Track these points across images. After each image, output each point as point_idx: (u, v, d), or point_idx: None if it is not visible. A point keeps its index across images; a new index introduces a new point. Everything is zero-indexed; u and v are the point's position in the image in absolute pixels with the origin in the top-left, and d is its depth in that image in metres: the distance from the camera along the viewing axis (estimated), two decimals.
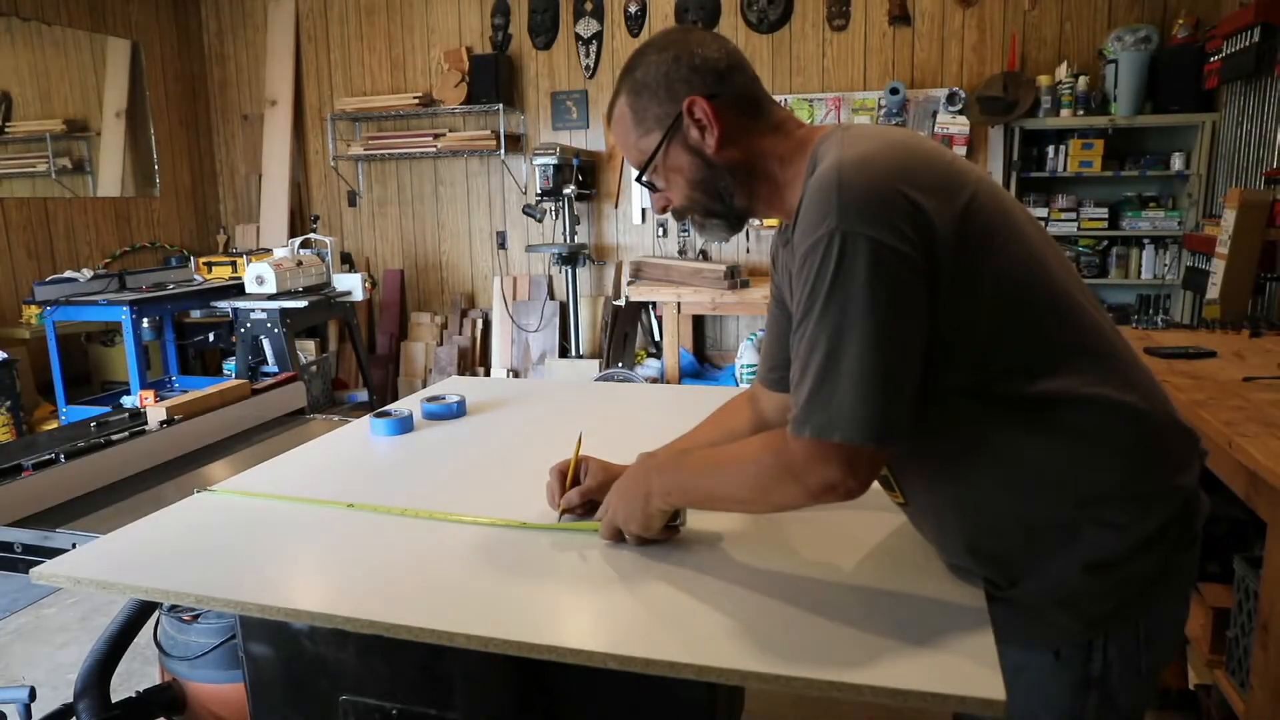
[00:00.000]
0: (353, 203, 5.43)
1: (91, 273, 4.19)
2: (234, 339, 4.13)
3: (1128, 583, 0.91)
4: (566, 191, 4.49)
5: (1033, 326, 0.88)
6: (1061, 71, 4.02)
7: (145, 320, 4.08)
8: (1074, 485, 0.90)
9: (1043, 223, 4.04)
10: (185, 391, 2.10)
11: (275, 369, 3.98)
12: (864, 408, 0.81)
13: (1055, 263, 0.91)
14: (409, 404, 1.85)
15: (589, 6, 4.77)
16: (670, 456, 1.11)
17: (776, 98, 4.89)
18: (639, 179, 1.06)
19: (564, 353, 4.92)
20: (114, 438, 1.63)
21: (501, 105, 4.79)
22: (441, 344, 5.23)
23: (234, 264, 4.60)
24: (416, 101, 4.99)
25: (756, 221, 4.64)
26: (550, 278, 5.09)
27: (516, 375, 5.02)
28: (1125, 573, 0.91)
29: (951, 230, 0.84)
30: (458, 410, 1.75)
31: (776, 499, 0.93)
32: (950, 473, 0.95)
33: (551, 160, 4.38)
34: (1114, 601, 0.92)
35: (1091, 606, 0.92)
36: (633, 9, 4.70)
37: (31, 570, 1.07)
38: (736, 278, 4.23)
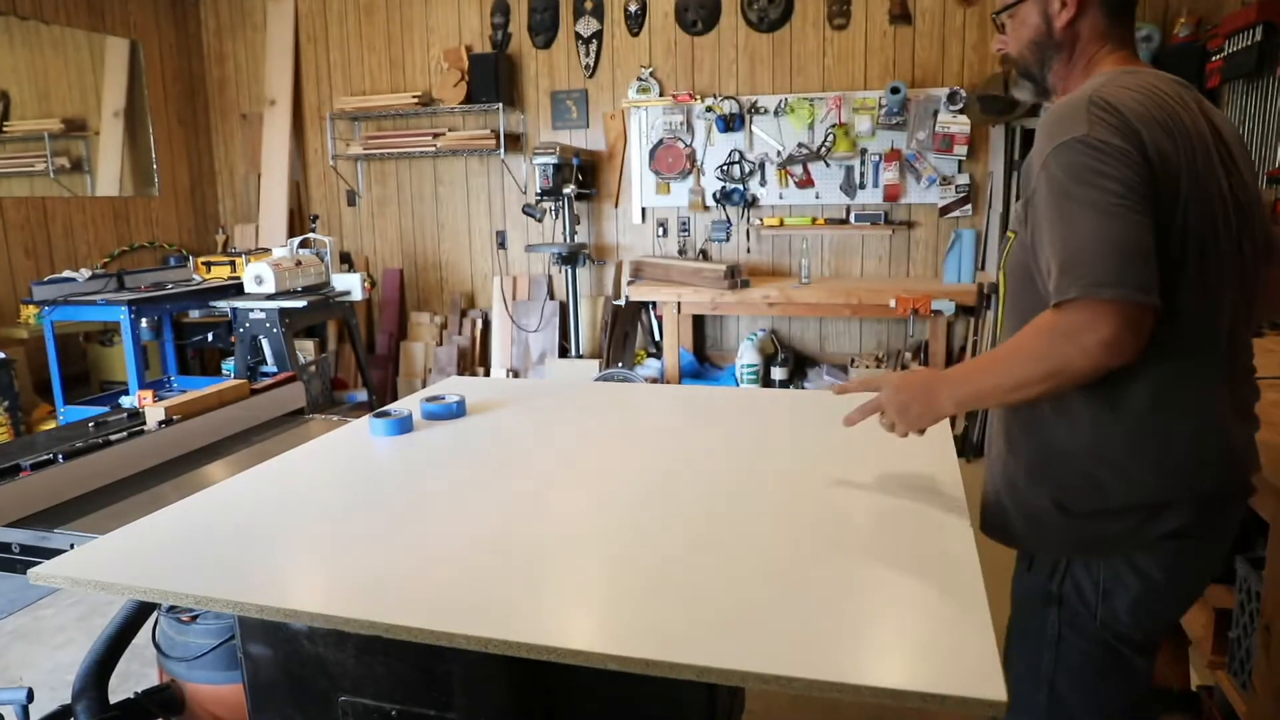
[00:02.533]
0: (352, 202, 5.43)
1: (90, 272, 4.19)
2: (233, 339, 4.12)
3: (1084, 532, 1.11)
4: (566, 191, 4.49)
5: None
6: None
7: (144, 320, 4.07)
8: (1110, 442, 1.07)
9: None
10: (184, 392, 2.10)
11: (274, 369, 3.98)
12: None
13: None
14: (409, 404, 1.84)
15: (589, 5, 4.77)
16: (957, 371, 1.17)
17: (777, 97, 4.83)
18: (994, 15, 1.24)
19: (564, 353, 4.92)
20: (112, 438, 1.62)
21: (501, 104, 4.78)
22: (441, 344, 5.22)
23: (233, 264, 4.59)
24: (416, 101, 4.99)
25: (757, 221, 4.64)
26: (550, 277, 5.08)
27: (516, 375, 5.01)
28: (1088, 526, 1.10)
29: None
30: (457, 410, 1.74)
31: (1056, 365, 0.99)
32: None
33: (551, 159, 4.37)
34: (1072, 542, 1.12)
35: (1052, 535, 1.13)
36: (633, 8, 4.69)
37: (29, 571, 1.07)
38: (736, 277, 4.23)
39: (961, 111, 4.22)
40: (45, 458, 1.51)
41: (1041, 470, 1.13)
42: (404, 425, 1.63)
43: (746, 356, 4.36)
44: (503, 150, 4.86)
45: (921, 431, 1.20)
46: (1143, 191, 0.97)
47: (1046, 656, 1.16)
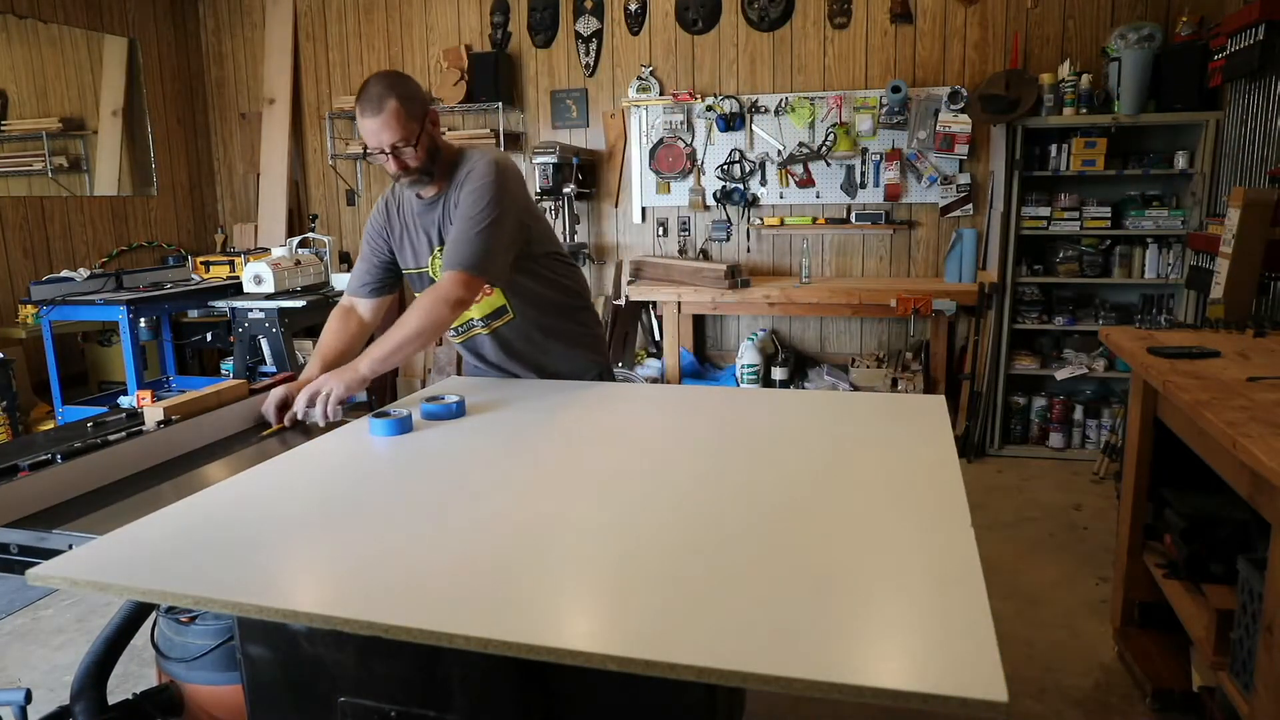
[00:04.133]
0: (351, 201, 5.42)
1: (88, 272, 4.18)
2: (232, 339, 4.12)
3: None
4: (566, 190, 4.48)
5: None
6: (1064, 70, 4.01)
7: (142, 320, 4.07)
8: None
9: (1045, 222, 4.04)
10: (183, 391, 2.09)
11: (273, 369, 3.97)
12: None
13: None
14: (408, 404, 1.84)
15: (589, 4, 4.76)
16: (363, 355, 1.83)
17: (777, 96, 4.85)
18: (395, 148, 1.81)
19: None
20: (111, 438, 1.62)
21: (501, 104, 4.78)
22: (441, 344, 5.21)
23: (232, 263, 4.59)
24: None
25: (757, 220, 4.63)
26: None
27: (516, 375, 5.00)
28: None
29: None
30: (457, 410, 1.74)
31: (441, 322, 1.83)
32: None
33: (551, 159, 4.37)
34: None
35: None
36: (633, 7, 4.69)
37: (28, 571, 1.06)
38: (737, 277, 4.22)
39: (963, 111, 4.22)
40: (43, 458, 1.51)
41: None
42: (404, 425, 1.63)
43: (747, 356, 4.35)
44: (502, 149, 4.86)
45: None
46: None
47: None
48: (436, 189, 1.90)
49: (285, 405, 1.78)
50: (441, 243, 1.92)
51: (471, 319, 2.03)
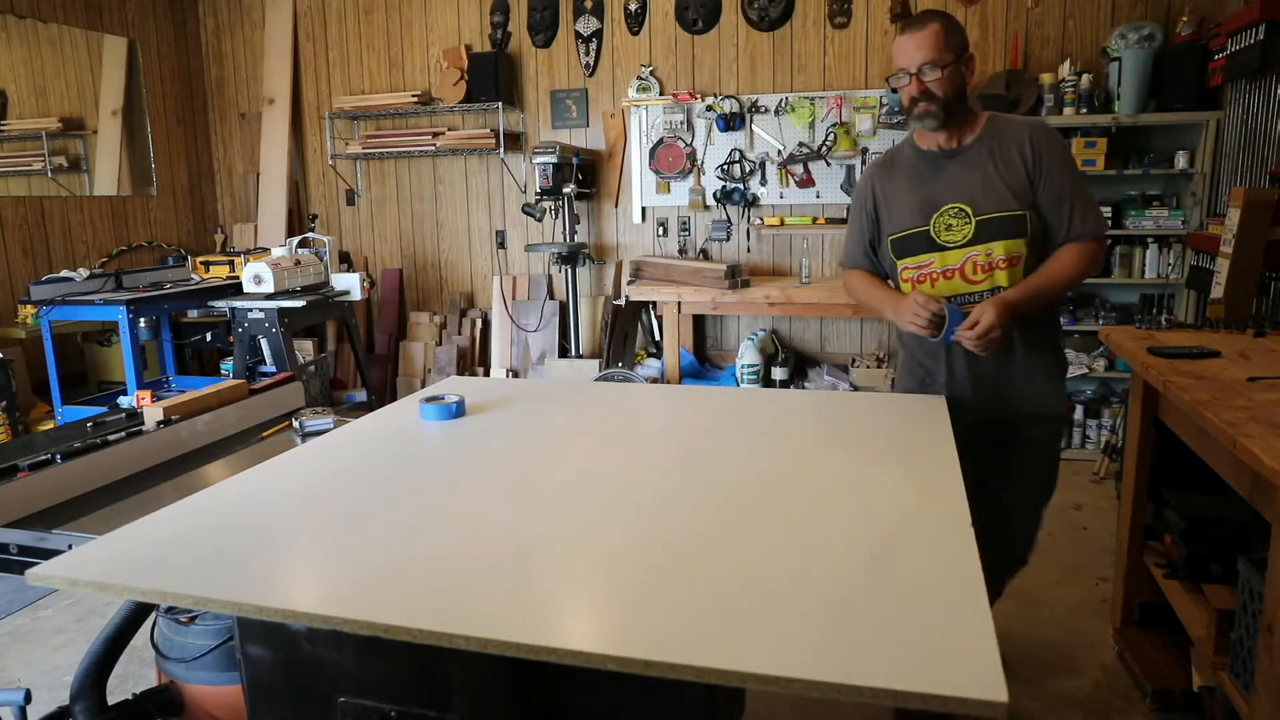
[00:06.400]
0: (351, 201, 5.42)
1: (88, 272, 4.18)
2: (231, 339, 4.12)
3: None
4: (566, 190, 4.48)
5: None
6: (1064, 69, 4.00)
7: (142, 320, 4.06)
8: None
9: None
10: (182, 392, 2.09)
11: (273, 369, 3.97)
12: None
13: None
14: (408, 404, 1.84)
15: (589, 4, 4.76)
16: (1023, 295, 1.77)
17: (777, 96, 4.82)
18: (925, 69, 1.75)
19: (564, 353, 4.91)
20: (110, 438, 1.62)
21: (501, 103, 4.77)
22: (440, 344, 5.21)
23: (231, 263, 4.58)
24: (415, 100, 4.98)
25: (757, 220, 4.63)
26: (550, 277, 5.08)
27: (516, 375, 5.01)
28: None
29: None
30: (457, 411, 1.74)
31: (1085, 276, 1.84)
32: None
33: (551, 159, 4.37)
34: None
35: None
36: (632, 7, 4.69)
37: (27, 571, 1.06)
38: (737, 277, 4.22)
39: None
40: (43, 458, 1.51)
41: (1056, 359, 1.94)
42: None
43: (747, 356, 4.35)
44: (502, 149, 4.86)
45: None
46: None
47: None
48: (948, 137, 1.81)
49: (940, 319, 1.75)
50: (952, 201, 1.79)
51: (974, 291, 1.83)
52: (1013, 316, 1.72)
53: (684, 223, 4.81)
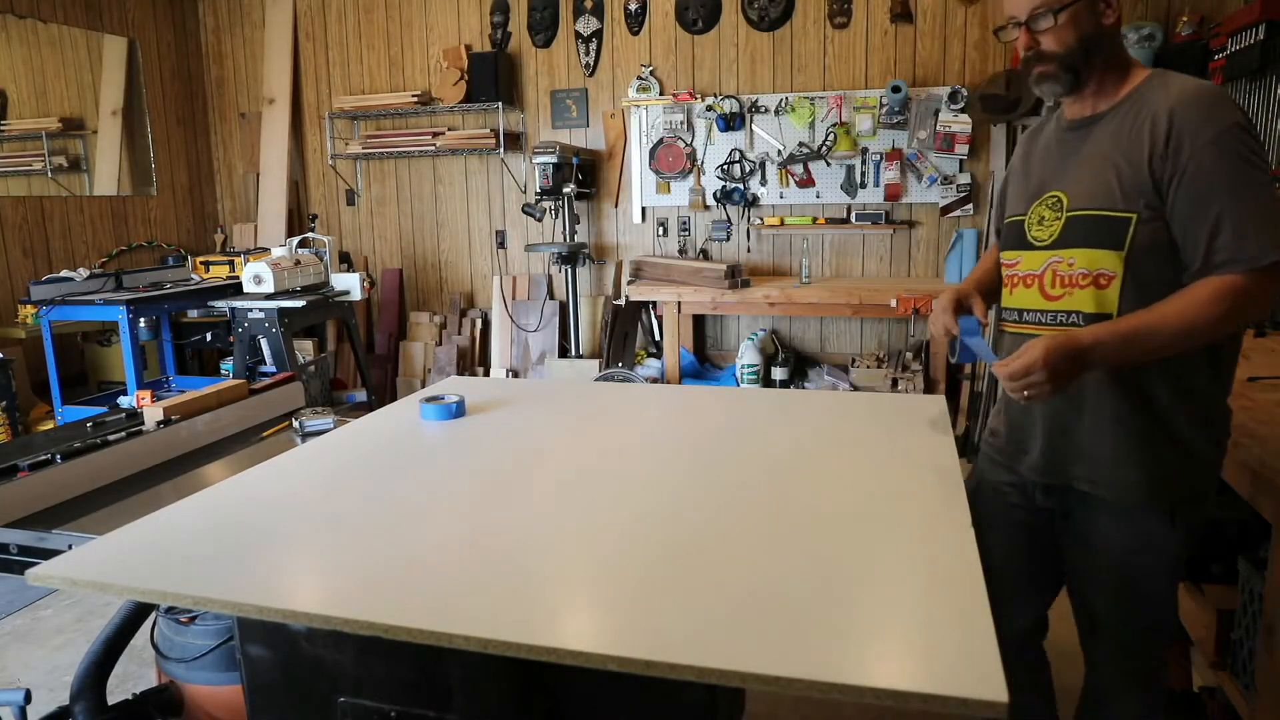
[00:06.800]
0: (351, 201, 5.42)
1: (88, 272, 4.18)
2: (231, 339, 4.12)
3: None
4: (566, 190, 4.48)
5: None
6: None
7: (142, 320, 4.06)
8: None
9: None
10: (182, 392, 2.09)
11: (273, 369, 3.97)
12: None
13: None
14: (408, 404, 1.84)
15: (589, 4, 4.76)
16: (1104, 336, 1.24)
17: (777, 96, 4.81)
18: (1038, 11, 1.29)
19: (564, 353, 4.91)
20: (110, 438, 1.62)
21: (501, 103, 4.77)
22: (440, 344, 5.21)
23: (231, 263, 4.58)
24: (415, 100, 4.98)
25: (757, 220, 4.63)
26: (550, 277, 5.08)
27: (516, 375, 5.00)
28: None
29: None
30: (457, 411, 1.74)
31: (1235, 321, 1.23)
32: None
33: (551, 159, 4.36)
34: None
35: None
36: (633, 7, 4.68)
37: (27, 571, 1.06)
38: (737, 277, 4.22)
39: (963, 110, 4.21)
40: (43, 458, 1.51)
41: (1206, 418, 1.31)
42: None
43: (747, 356, 4.35)
44: (502, 149, 4.86)
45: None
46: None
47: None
48: (1090, 101, 1.35)
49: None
50: (1055, 188, 1.36)
51: (1048, 309, 1.37)
52: (1078, 364, 1.22)
53: (684, 223, 4.81)
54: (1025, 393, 1.23)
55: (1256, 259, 1.16)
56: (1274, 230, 1.16)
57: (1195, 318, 1.19)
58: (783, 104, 4.47)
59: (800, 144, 4.47)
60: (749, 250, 4.72)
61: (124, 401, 3.94)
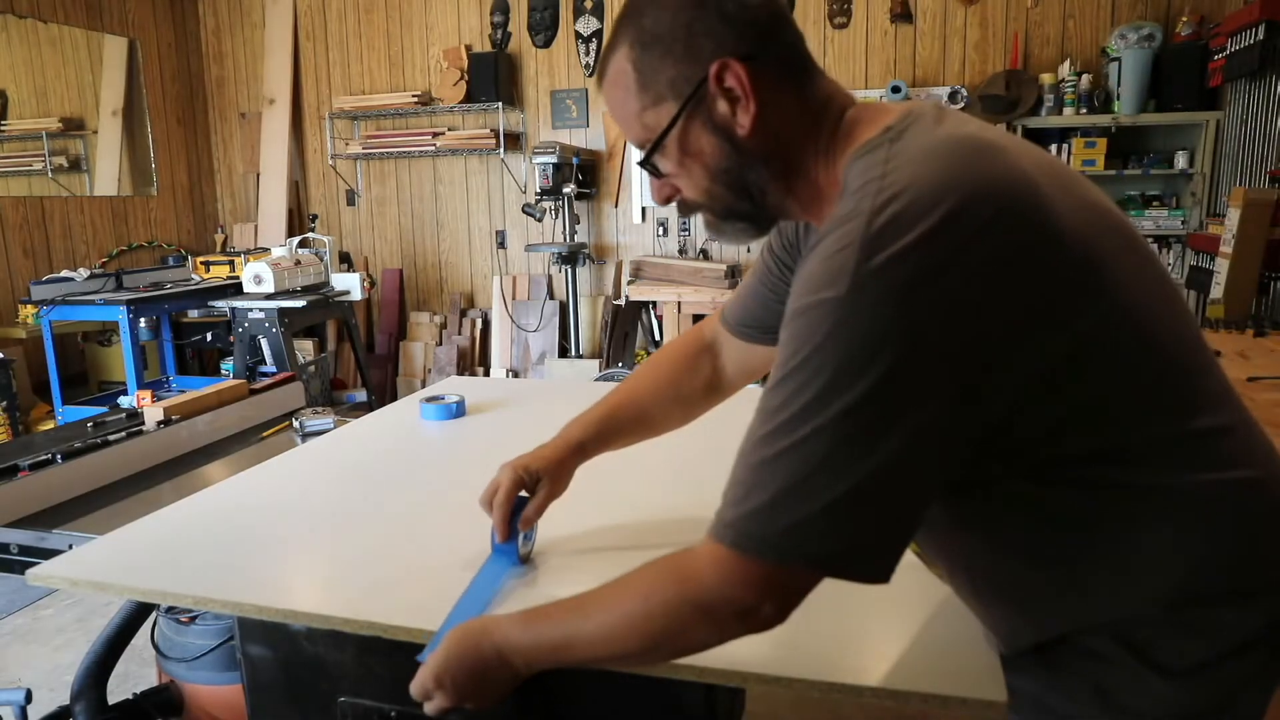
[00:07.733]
0: (351, 201, 5.42)
1: (88, 272, 4.18)
2: (231, 339, 4.12)
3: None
4: (566, 190, 4.48)
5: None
6: (1064, 69, 4.01)
7: (142, 320, 4.06)
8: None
9: None
10: (183, 392, 2.10)
11: (273, 369, 3.97)
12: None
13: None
14: (408, 404, 1.84)
15: (589, 4, 4.76)
16: (522, 618, 0.85)
17: None
18: (642, 162, 0.81)
19: (564, 353, 4.91)
20: (111, 438, 1.62)
21: (501, 103, 4.78)
22: (440, 344, 5.22)
23: (232, 263, 4.58)
24: (415, 100, 4.98)
25: None
26: (550, 277, 5.08)
27: (516, 375, 5.01)
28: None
29: None
30: (457, 411, 1.74)
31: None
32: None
33: (551, 159, 4.37)
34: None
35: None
36: None
37: (28, 571, 1.06)
38: (737, 277, 4.23)
39: (962, 110, 4.22)
40: (43, 458, 1.51)
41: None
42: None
43: None
44: (502, 150, 4.86)
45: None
46: None
47: None
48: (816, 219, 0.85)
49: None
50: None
51: None
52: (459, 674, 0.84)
53: (684, 223, 4.81)
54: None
55: (741, 534, 0.76)
56: (768, 500, 0.75)
57: (619, 611, 0.83)
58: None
59: None
60: (749, 250, 4.73)
61: (124, 401, 3.94)
